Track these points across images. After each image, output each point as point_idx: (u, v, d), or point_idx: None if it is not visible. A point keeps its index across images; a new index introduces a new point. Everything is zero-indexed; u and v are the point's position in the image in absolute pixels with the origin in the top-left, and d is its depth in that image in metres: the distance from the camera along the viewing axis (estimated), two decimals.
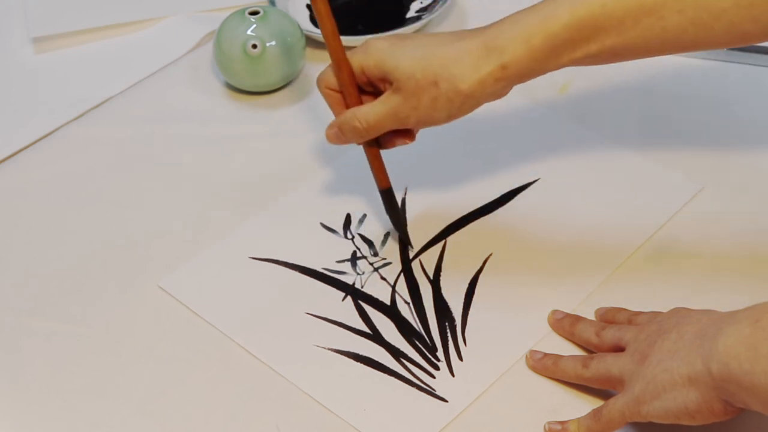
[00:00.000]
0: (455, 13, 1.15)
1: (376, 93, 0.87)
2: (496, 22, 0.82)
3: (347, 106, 0.87)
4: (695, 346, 0.70)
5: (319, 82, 0.88)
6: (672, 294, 0.86)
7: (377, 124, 0.85)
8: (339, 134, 0.87)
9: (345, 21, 1.13)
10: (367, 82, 0.86)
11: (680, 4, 0.78)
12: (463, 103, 0.82)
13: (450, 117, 0.83)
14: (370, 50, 0.84)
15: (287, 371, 0.82)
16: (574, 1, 0.79)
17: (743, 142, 0.99)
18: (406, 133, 0.87)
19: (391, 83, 0.83)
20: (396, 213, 0.91)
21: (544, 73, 0.82)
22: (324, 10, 0.85)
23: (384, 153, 0.97)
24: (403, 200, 0.95)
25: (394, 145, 0.88)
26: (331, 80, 0.87)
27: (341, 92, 0.87)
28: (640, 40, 0.79)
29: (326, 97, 0.88)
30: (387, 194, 0.90)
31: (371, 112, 0.84)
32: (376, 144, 0.88)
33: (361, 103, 0.86)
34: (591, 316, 0.85)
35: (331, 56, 0.86)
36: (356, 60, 0.85)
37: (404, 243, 0.91)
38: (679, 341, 0.72)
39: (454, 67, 0.81)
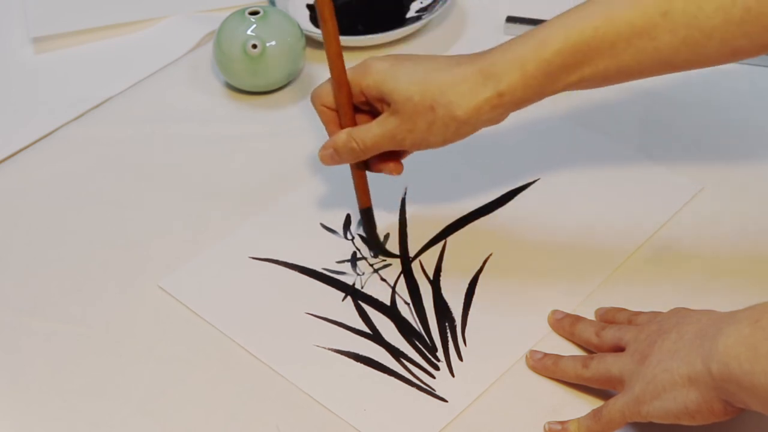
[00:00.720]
0: (455, 13, 1.16)
1: (371, 112, 0.87)
2: (493, 49, 0.82)
3: (341, 126, 0.87)
4: (695, 346, 0.70)
5: (315, 98, 0.88)
6: (672, 294, 0.86)
7: (374, 145, 0.85)
8: (334, 155, 0.87)
9: (345, 21, 1.13)
10: (364, 101, 0.86)
11: (671, 24, 0.78)
12: (459, 128, 0.82)
13: (445, 141, 0.83)
14: (369, 70, 0.84)
15: (287, 371, 0.82)
16: (566, 25, 0.80)
17: (743, 143, 0.99)
18: (396, 160, 0.88)
19: (388, 104, 0.83)
20: (373, 231, 0.91)
21: (541, 98, 0.82)
22: (332, 31, 0.85)
23: None
24: (403, 200, 0.95)
25: (380, 171, 0.88)
26: (328, 98, 0.87)
27: (337, 111, 0.87)
28: (633, 62, 0.80)
29: (321, 114, 0.88)
30: (367, 213, 0.91)
31: (369, 134, 0.84)
32: (364, 166, 0.88)
33: (355, 123, 0.86)
34: (591, 316, 0.85)
35: (332, 75, 0.85)
36: (355, 79, 0.85)
37: (403, 246, 0.91)
38: (679, 341, 0.72)
39: (450, 93, 0.81)
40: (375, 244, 0.91)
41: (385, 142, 0.84)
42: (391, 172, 0.88)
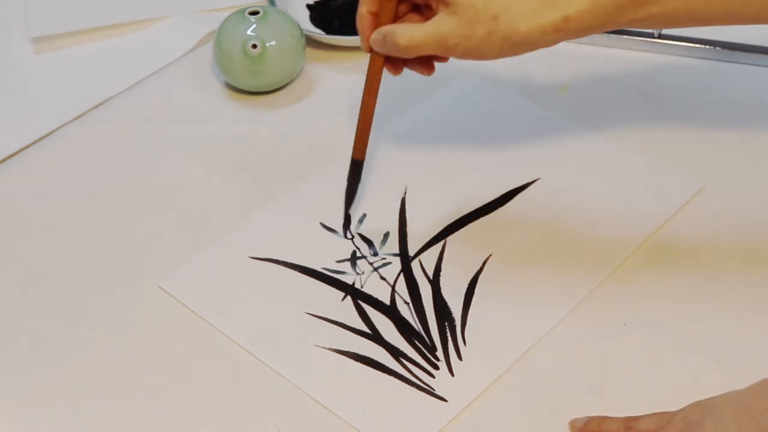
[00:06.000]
0: None
1: (421, 14, 0.85)
2: None
3: (379, 24, 0.85)
4: (743, 423, 0.70)
5: (360, 5, 0.85)
6: (672, 293, 0.86)
7: (421, 44, 0.82)
8: (382, 42, 0.84)
9: (345, 21, 1.13)
10: None
11: None
12: (517, 44, 0.80)
13: (500, 54, 0.81)
14: None
15: (287, 371, 0.82)
16: None
17: (743, 142, 0.99)
18: (428, 62, 0.86)
19: (447, 4, 0.81)
20: (353, 187, 0.92)
21: (604, 30, 0.81)
22: None
23: (384, 150, 0.97)
24: (403, 200, 0.95)
25: (412, 68, 0.86)
26: (374, 3, 0.85)
27: (380, 10, 0.85)
28: (703, 6, 0.79)
29: (361, 21, 0.85)
30: (357, 167, 0.91)
31: (418, 31, 0.82)
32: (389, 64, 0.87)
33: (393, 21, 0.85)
34: (591, 315, 0.85)
35: None
36: None
37: (402, 245, 0.92)
38: (722, 424, 0.71)
39: (517, 6, 0.79)
40: (348, 200, 0.92)
41: (435, 44, 0.82)
42: (422, 72, 0.86)
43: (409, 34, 0.82)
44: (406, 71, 0.87)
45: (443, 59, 0.85)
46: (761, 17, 0.79)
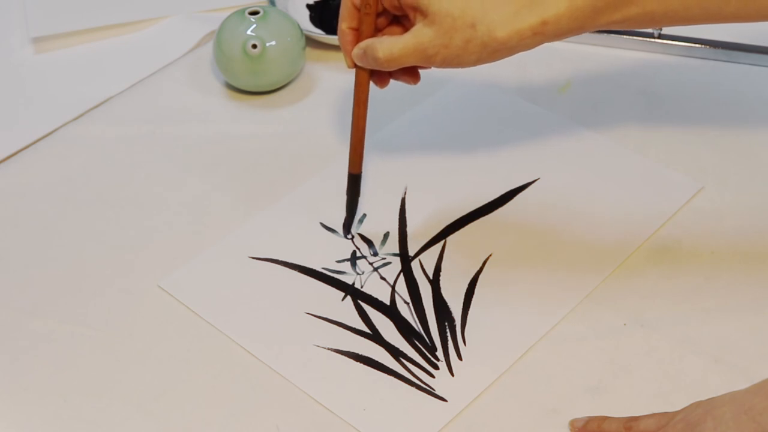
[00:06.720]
0: None
1: (401, 25, 0.85)
2: None
3: (360, 38, 0.85)
4: (743, 423, 0.70)
5: (340, 22, 0.86)
6: (672, 293, 0.86)
7: (400, 57, 0.82)
8: (363, 57, 0.85)
9: None
10: (397, 6, 0.84)
11: None
12: (496, 50, 0.80)
13: (479, 61, 0.82)
14: None
15: (287, 371, 0.82)
16: None
17: (743, 142, 0.99)
18: (413, 72, 0.86)
19: (425, 15, 0.81)
20: (353, 200, 0.92)
21: (581, 32, 0.81)
22: None
23: (384, 150, 0.97)
24: (403, 200, 0.95)
25: (397, 79, 0.86)
26: (352, 17, 0.85)
27: (359, 25, 0.85)
28: (681, 7, 0.79)
29: (343, 37, 0.86)
30: (355, 180, 0.91)
31: (397, 44, 0.82)
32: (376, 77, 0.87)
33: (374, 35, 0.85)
34: (591, 315, 0.85)
35: None
36: None
37: (402, 245, 0.92)
38: (722, 425, 0.71)
39: (494, 12, 0.79)
40: (350, 211, 0.92)
41: (414, 55, 0.82)
42: (407, 82, 0.87)
43: (389, 47, 0.82)
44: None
45: (427, 66, 0.86)
46: (739, 16, 0.79)
